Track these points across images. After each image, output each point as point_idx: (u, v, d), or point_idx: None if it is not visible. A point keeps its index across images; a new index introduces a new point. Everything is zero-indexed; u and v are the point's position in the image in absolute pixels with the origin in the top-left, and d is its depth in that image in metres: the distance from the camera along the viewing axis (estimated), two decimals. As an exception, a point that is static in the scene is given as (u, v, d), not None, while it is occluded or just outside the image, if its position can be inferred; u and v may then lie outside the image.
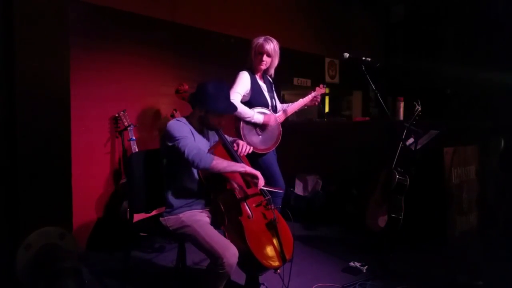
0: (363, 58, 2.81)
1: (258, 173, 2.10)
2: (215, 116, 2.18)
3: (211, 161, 2.00)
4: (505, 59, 5.20)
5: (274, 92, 3.06)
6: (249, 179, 2.16)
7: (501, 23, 5.44)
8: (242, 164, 2.12)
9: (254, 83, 2.83)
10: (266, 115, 2.84)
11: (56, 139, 2.65)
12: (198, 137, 2.23)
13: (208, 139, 2.33)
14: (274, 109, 2.99)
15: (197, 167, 2.05)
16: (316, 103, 3.08)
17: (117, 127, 3.37)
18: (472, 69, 5.34)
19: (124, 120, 3.29)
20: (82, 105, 3.11)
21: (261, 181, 2.08)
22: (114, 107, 3.34)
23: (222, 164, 2.04)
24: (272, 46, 2.80)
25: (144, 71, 3.59)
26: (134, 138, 3.26)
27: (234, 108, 2.30)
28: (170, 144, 2.06)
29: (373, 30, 6.85)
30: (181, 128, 2.11)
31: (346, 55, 2.83)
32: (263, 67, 2.86)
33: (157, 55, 3.69)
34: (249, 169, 2.10)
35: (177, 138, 2.05)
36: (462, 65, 5.69)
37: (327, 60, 5.90)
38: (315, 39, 5.65)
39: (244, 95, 2.79)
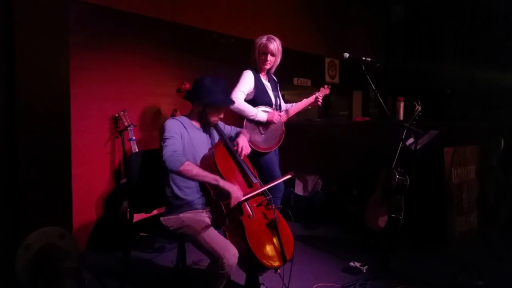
0: (363, 58, 2.81)
1: (233, 190, 1.94)
2: (213, 110, 2.20)
3: (178, 165, 1.94)
4: (505, 59, 5.20)
5: (279, 91, 3.07)
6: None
7: (500, 23, 5.44)
8: (216, 177, 1.97)
9: (258, 82, 2.84)
10: (269, 112, 2.86)
11: (56, 139, 2.65)
12: (197, 134, 2.23)
13: (210, 135, 2.34)
14: (279, 108, 3.01)
15: (167, 169, 1.98)
16: (319, 103, 3.09)
17: (117, 127, 3.37)
18: (472, 69, 5.35)
19: (124, 120, 3.29)
20: (82, 105, 3.10)
21: (233, 200, 1.92)
22: (114, 107, 3.34)
23: (191, 171, 1.97)
24: (275, 45, 2.83)
25: (144, 71, 3.59)
26: (134, 138, 3.26)
27: (231, 100, 2.32)
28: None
29: (373, 30, 6.85)
30: (172, 127, 2.11)
31: (346, 55, 2.83)
32: (267, 66, 2.88)
33: (157, 55, 3.68)
34: (222, 183, 1.95)
35: (164, 137, 2.06)
36: (462, 65, 5.70)
37: (327, 60, 5.90)
38: (315, 39, 5.65)
39: (248, 94, 2.80)
